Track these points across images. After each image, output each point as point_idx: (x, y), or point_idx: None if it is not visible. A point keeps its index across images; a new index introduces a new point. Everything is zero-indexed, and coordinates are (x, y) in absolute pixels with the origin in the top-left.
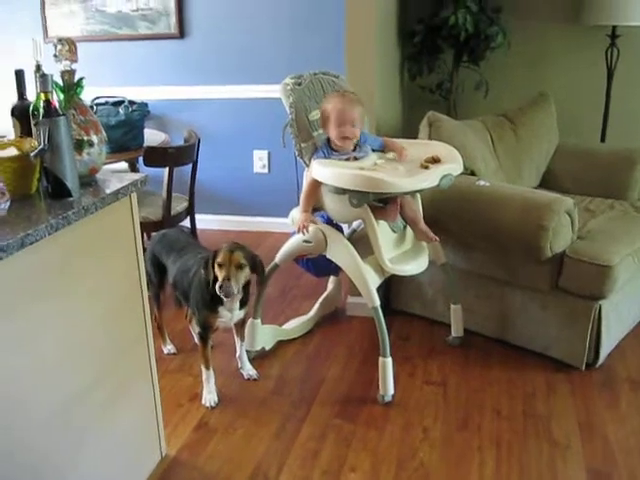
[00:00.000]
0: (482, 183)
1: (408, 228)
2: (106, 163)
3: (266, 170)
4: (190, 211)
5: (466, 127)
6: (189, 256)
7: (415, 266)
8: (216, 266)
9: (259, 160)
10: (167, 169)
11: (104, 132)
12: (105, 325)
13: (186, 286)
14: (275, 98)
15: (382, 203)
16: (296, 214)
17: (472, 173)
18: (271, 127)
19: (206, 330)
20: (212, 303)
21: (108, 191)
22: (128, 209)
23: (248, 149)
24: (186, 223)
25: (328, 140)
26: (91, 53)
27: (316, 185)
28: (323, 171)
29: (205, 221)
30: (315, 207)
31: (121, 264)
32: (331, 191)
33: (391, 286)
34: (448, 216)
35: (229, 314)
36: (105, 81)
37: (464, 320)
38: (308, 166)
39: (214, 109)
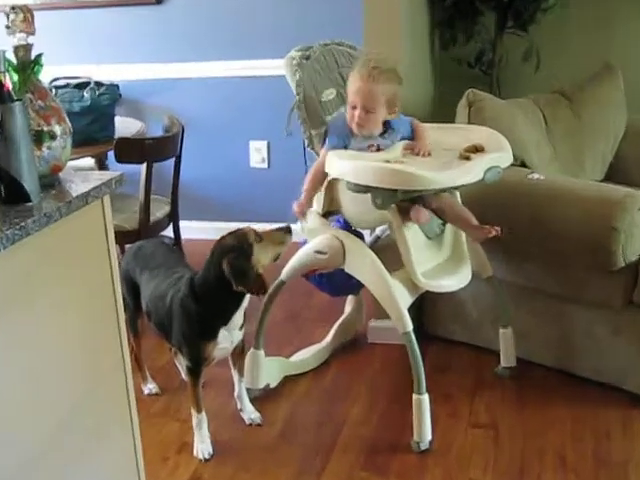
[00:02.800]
0: (535, 176)
1: (446, 233)
2: (69, 159)
3: (265, 165)
4: (173, 217)
5: (514, 107)
6: (163, 277)
7: (455, 281)
8: (257, 249)
9: (257, 152)
10: (144, 166)
11: (68, 121)
12: (73, 357)
13: (163, 316)
14: (278, 76)
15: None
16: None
17: (523, 164)
18: (272, 111)
19: (199, 364)
20: (207, 329)
21: (75, 194)
22: (100, 215)
23: (243, 139)
24: (168, 232)
25: None
26: (49, 24)
27: (321, 173)
28: (340, 164)
29: (192, 229)
30: (330, 210)
31: (92, 282)
32: (350, 189)
33: (425, 306)
34: (494, 218)
35: (230, 337)
36: (66, 58)
37: (516, 347)
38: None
39: (201, 91)
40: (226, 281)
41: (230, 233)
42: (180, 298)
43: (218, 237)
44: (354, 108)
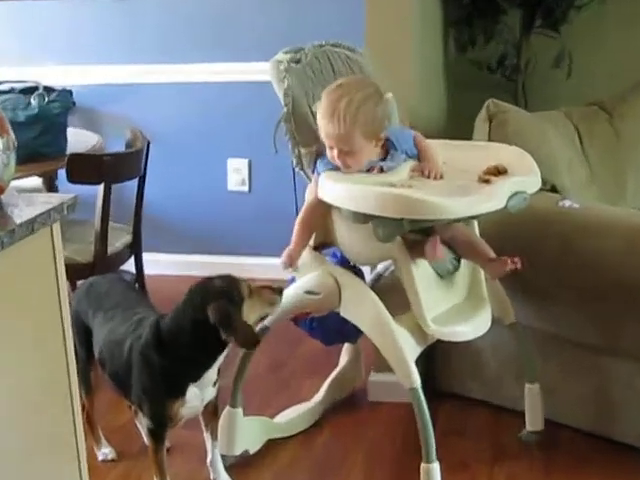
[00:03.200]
0: (568, 204)
1: (461, 270)
2: (12, 178)
3: (246, 187)
4: (135, 249)
5: (543, 122)
6: (120, 319)
7: (472, 327)
8: (247, 303)
9: (236, 173)
10: (101, 187)
11: (12, 133)
12: (11, 418)
13: (119, 366)
14: (262, 82)
15: (421, 235)
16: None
17: (553, 189)
18: (255, 124)
19: (162, 425)
20: (174, 385)
21: (19, 220)
22: (48, 246)
23: (220, 157)
24: (129, 266)
25: None
26: None
27: (319, 208)
28: (334, 188)
29: (157, 263)
30: (324, 242)
31: (37, 326)
32: (347, 218)
33: (436, 357)
34: (518, 253)
35: (200, 395)
36: (10, 58)
37: (544, 406)
38: (312, 181)
39: (172, 99)
40: (204, 329)
41: (219, 276)
42: (142, 345)
43: (187, 272)
44: (332, 149)
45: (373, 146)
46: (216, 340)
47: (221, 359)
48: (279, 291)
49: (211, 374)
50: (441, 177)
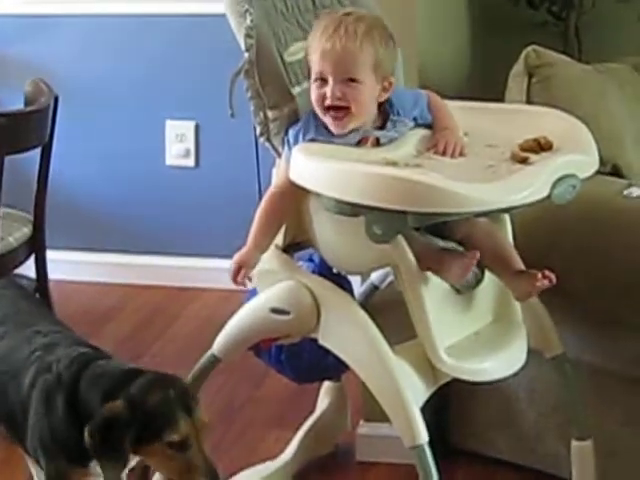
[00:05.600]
0: (636, 192)
1: (485, 283)
2: None
3: (191, 161)
4: (35, 245)
5: (603, 78)
6: (15, 339)
7: (501, 362)
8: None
9: (178, 140)
10: None
11: None
12: None
13: (12, 404)
14: (213, 15)
15: (432, 234)
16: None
17: (615, 171)
18: (203, 74)
19: None
20: (78, 449)
21: None
22: None
23: (155, 118)
24: (27, 269)
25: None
26: None
27: (290, 194)
28: (311, 167)
29: (66, 265)
30: (296, 241)
31: None
32: (330, 209)
33: (451, 403)
34: (568, 258)
35: None
36: None
37: (599, 472)
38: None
39: (86, 37)
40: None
41: (164, 382)
42: (50, 382)
43: (108, 279)
44: (323, 83)
45: (377, 94)
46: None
47: None
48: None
49: None
50: (461, 153)
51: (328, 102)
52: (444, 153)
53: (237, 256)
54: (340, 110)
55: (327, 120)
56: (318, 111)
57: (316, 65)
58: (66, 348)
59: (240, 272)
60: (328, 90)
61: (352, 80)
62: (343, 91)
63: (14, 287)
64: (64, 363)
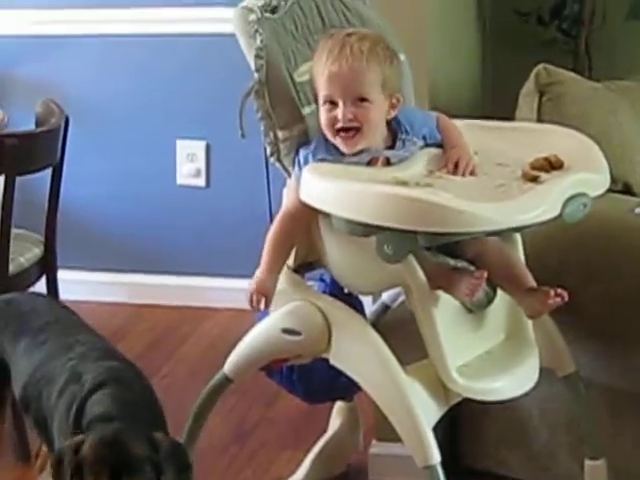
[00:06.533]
0: None
1: (498, 302)
2: None
3: (202, 181)
4: (47, 266)
5: (613, 96)
6: (56, 346)
7: (513, 381)
8: None
9: (189, 160)
10: (1, 179)
11: None
12: None
13: (44, 410)
14: (224, 35)
15: (443, 254)
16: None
17: (627, 190)
18: (216, 94)
19: None
20: None
21: None
22: None
23: (167, 138)
24: (39, 288)
25: None
26: None
27: (302, 215)
28: (322, 187)
29: (78, 285)
30: (307, 261)
31: None
32: (340, 229)
33: (463, 422)
34: (579, 277)
35: None
36: None
37: None
38: (291, 176)
39: (98, 58)
40: None
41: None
42: (75, 392)
43: (120, 299)
44: (332, 106)
45: (386, 111)
46: None
47: None
48: None
49: None
50: (472, 172)
51: (339, 125)
52: (455, 172)
53: (255, 284)
54: (350, 130)
55: (337, 142)
56: (328, 134)
57: (324, 89)
58: (99, 360)
59: (261, 300)
60: (339, 113)
61: (362, 100)
62: (354, 112)
63: (48, 298)
64: (92, 375)
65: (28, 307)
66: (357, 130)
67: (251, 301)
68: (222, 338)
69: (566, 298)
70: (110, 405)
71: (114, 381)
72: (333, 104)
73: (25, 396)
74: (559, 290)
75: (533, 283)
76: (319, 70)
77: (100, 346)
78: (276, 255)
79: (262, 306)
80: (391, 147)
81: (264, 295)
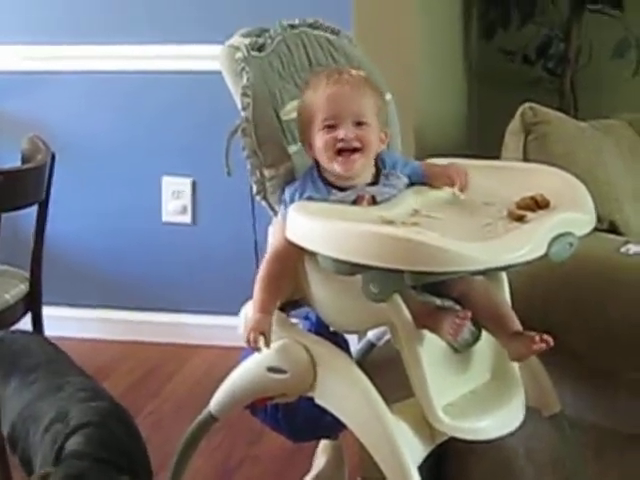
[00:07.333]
0: (634, 249)
1: (483, 342)
2: None
3: (188, 218)
4: (32, 302)
5: (599, 135)
6: (47, 387)
7: (498, 421)
8: None
9: (174, 197)
10: None
11: None
12: None
13: (30, 446)
14: (209, 72)
15: (429, 293)
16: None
17: (612, 228)
18: (200, 132)
19: None
20: None
21: None
22: None
23: (152, 174)
24: (24, 327)
25: (318, 165)
26: None
27: (290, 257)
28: (307, 225)
29: (63, 322)
30: (292, 299)
31: None
32: (326, 268)
33: (449, 461)
34: (565, 316)
35: None
36: None
37: None
38: (277, 215)
39: (87, 94)
40: None
41: None
42: (59, 431)
43: (106, 335)
44: (331, 128)
45: (377, 143)
46: None
47: None
48: None
49: None
50: (462, 190)
51: (341, 145)
52: (452, 185)
53: (252, 323)
54: (351, 151)
55: (334, 165)
56: (325, 158)
57: (323, 112)
58: (86, 401)
59: (259, 339)
60: (341, 133)
61: (361, 123)
62: (355, 132)
63: (40, 336)
64: (78, 415)
65: (19, 346)
66: (358, 150)
67: (248, 340)
68: (208, 375)
69: (551, 343)
70: (86, 444)
71: (98, 422)
72: (332, 127)
73: (13, 435)
74: (544, 336)
75: (519, 326)
76: (315, 97)
77: (89, 387)
78: (269, 295)
79: (261, 344)
80: (374, 182)
81: (261, 333)
